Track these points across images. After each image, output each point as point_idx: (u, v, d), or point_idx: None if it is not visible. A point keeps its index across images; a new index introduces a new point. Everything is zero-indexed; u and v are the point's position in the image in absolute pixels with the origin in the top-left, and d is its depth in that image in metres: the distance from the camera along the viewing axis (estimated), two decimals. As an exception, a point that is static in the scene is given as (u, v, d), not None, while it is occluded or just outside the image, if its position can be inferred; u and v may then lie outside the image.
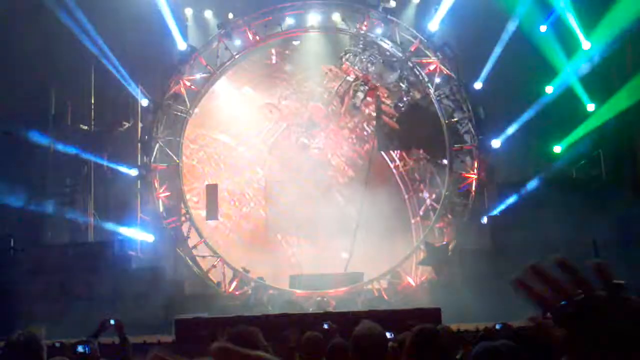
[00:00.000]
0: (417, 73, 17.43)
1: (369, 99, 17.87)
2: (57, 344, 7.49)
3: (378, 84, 17.62)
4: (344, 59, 17.67)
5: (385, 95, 17.85)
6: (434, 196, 17.71)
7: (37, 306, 14.03)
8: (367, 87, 17.66)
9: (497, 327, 7.03)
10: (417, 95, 17.65)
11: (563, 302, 1.26)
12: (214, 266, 17.18)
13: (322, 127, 18.42)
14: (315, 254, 17.35)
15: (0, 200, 15.65)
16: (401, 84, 17.44)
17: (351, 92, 17.88)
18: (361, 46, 17.52)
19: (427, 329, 3.90)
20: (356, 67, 17.56)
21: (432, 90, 17.33)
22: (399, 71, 17.36)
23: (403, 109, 17.66)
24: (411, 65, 17.46)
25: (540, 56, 16.43)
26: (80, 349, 5.90)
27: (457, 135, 17.41)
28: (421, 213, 18.05)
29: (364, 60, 17.46)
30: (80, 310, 13.68)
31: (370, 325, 4.39)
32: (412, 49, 17.57)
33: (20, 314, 13.89)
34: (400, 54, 17.44)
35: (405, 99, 17.55)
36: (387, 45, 17.44)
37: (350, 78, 17.80)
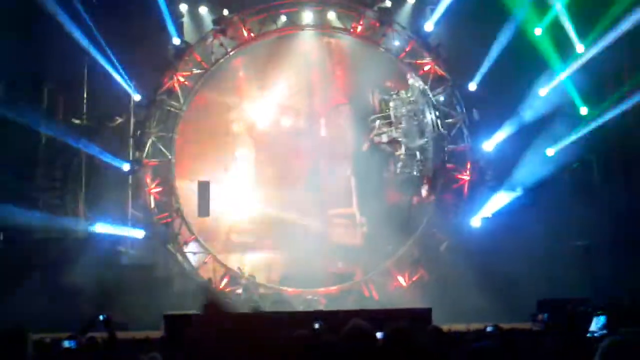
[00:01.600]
0: (443, 158, 17.11)
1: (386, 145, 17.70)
2: (47, 340, 7.46)
3: (400, 139, 17.47)
4: (391, 102, 17.48)
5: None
6: (432, 114, 17.46)
7: (26, 300, 13.92)
8: (392, 137, 17.48)
9: (489, 329, 7.04)
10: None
11: None
12: (204, 263, 17.13)
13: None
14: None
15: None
16: (418, 153, 17.16)
17: (378, 128, 17.73)
18: (412, 98, 17.29)
19: (401, 328, 3.88)
20: (395, 111, 17.42)
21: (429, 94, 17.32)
22: (424, 141, 17.10)
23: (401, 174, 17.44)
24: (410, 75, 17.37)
25: (535, 59, 16.45)
26: (66, 344, 5.87)
27: (451, 137, 17.41)
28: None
29: (405, 111, 17.28)
30: (69, 305, 13.63)
31: (360, 323, 4.38)
32: (407, 49, 17.56)
33: (8, 309, 13.79)
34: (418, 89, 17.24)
35: (414, 171, 17.29)
36: (430, 115, 17.00)
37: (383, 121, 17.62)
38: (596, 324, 5.50)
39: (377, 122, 17.66)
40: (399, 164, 17.34)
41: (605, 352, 3.41)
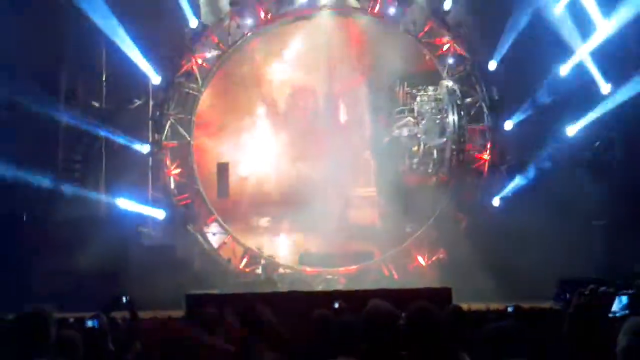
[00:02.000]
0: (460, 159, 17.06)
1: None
2: (71, 319, 7.56)
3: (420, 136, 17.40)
4: (417, 97, 17.40)
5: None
6: (455, 116, 17.43)
7: (48, 281, 14.13)
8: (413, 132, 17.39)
9: (509, 309, 7.03)
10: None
11: None
12: (224, 243, 17.26)
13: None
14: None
15: (12, 176, 15.71)
16: (435, 152, 17.17)
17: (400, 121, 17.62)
18: (439, 96, 17.25)
19: (422, 307, 3.88)
20: (420, 107, 17.32)
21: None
22: (443, 140, 17.09)
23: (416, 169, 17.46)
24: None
25: (555, 37, 16.21)
26: (89, 323, 5.93)
27: (470, 116, 17.29)
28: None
29: (428, 108, 17.22)
30: (92, 285, 13.81)
31: (380, 303, 4.39)
32: (426, 28, 17.38)
33: (31, 289, 14.03)
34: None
35: (429, 168, 17.32)
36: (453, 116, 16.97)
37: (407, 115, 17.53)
38: (618, 304, 5.47)
39: (400, 115, 17.52)
40: (415, 159, 17.31)
41: (631, 330, 3.40)
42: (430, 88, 17.36)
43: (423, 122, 17.25)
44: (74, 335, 4.54)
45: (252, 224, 17.88)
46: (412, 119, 17.38)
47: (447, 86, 17.08)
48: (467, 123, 17.08)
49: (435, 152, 17.20)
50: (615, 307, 5.39)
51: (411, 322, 3.70)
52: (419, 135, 17.31)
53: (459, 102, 16.98)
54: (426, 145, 17.30)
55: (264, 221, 17.94)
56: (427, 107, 17.23)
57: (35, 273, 14.85)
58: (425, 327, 3.65)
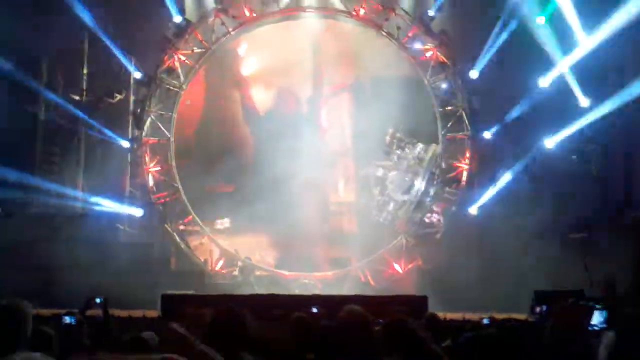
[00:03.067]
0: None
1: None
2: (48, 315, 7.50)
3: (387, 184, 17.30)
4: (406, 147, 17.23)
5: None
6: (423, 184, 17.63)
7: (22, 277, 13.91)
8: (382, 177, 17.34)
9: (485, 322, 7.08)
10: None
11: None
12: (201, 243, 17.16)
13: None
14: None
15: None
16: (392, 204, 17.17)
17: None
18: (421, 156, 17.16)
19: (396, 320, 3.91)
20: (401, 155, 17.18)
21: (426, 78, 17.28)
22: (404, 199, 17.05)
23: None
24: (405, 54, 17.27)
25: (537, 48, 16.36)
26: (67, 319, 5.91)
27: (451, 124, 17.38)
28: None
29: (406, 163, 17.09)
30: (66, 281, 13.64)
31: (355, 308, 4.39)
32: (410, 34, 17.45)
33: (3, 285, 13.79)
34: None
35: (381, 217, 17.24)
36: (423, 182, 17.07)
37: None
38: (597, 317, 5.53)
39: (385, 155, 17.42)
40: (374, 203, 17.28)
41: (610, 344, 3.45)
42: (420, 145, 17.26)
43: (394, 173, 17.21)
44: (49, 330, 4.53)
45: (229, 226, 17.72)
46: (390, 164, 17.32)
47: (433, 151, 17.12)
48: (433, 198, 17.09)
49: (392, 204, 17.20)
50: (594, 320, 5.45)
51: (387, 332, 3.71)
52: (386, 183, 17.29)
53: (435, 171, 17.06)
54: (387, 194, 17.26)
55: (241, 222, 17.78)
56: (405, 163, 17.17)
57: (6, 268, 14.60)
58: (400, 337, 3.67)
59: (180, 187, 17.17)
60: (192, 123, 17.90)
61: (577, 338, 4.25)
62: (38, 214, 16.68)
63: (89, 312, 6.86)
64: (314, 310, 6.37)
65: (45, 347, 4.18)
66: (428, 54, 17.46)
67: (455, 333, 5.45)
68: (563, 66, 16.44)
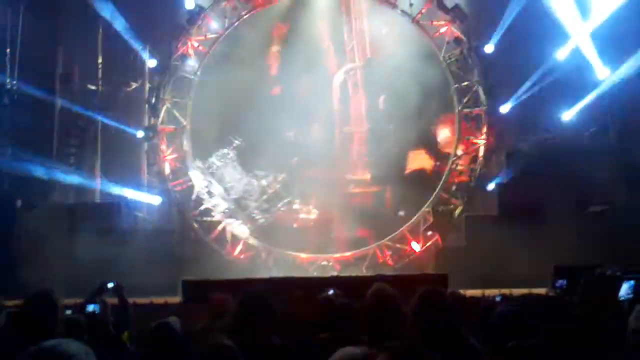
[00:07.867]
0: None
1: None
2: (71, 304, 7.55)
3: None
4: None
5: None
6: (438, 163, 17.53)
7: (43, 268, 14.03)
8: None
9: (497, 299, 7.08)
10: None
11: None
12: (219, 229, 17.19)
13: None
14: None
15: (6, 161, 15.62)
16: None
17: None
18: None
19: (433, 289, 3.89)
20: None
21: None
22: None
23: None
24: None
25: (553, 20, 16.14)
26: (90, 307, 5.93)
27: (467, 100, 17.22)
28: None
29: None
30: (85, 271, 13.72)
31: (384, 286, 4.37)
32: (423, 10, 17.25)
33: (26, 277, 13.91)
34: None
35: None
36: None
37: None
38: (625, 288, 5.47)
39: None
40: None
41: None
42: None
43: None
44: (78, 318, 4.58)
45: (246, 210, 17.73)
46: None
47: None
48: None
49: None
50: (622, 291, 5.39)
51: (422, 304, 3.68)
52: None
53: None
54: None
55: (258, 206, 17.79)
56: None
57: (29, 260, 14.74)
58: (435, 310, 3.63)
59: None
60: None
61: (606, 309, 4.21)
62: (57, 205, 16.80)
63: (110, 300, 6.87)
64: (330, 292, 6.34)
65: (77, 334, 4.23)
66: (442, 30, 17.26)
67: (484, 312, 5.37)
68: (580, 37, 16.21)
